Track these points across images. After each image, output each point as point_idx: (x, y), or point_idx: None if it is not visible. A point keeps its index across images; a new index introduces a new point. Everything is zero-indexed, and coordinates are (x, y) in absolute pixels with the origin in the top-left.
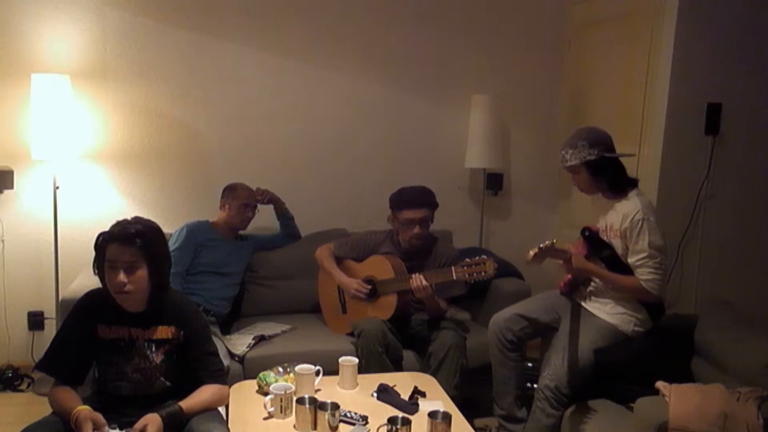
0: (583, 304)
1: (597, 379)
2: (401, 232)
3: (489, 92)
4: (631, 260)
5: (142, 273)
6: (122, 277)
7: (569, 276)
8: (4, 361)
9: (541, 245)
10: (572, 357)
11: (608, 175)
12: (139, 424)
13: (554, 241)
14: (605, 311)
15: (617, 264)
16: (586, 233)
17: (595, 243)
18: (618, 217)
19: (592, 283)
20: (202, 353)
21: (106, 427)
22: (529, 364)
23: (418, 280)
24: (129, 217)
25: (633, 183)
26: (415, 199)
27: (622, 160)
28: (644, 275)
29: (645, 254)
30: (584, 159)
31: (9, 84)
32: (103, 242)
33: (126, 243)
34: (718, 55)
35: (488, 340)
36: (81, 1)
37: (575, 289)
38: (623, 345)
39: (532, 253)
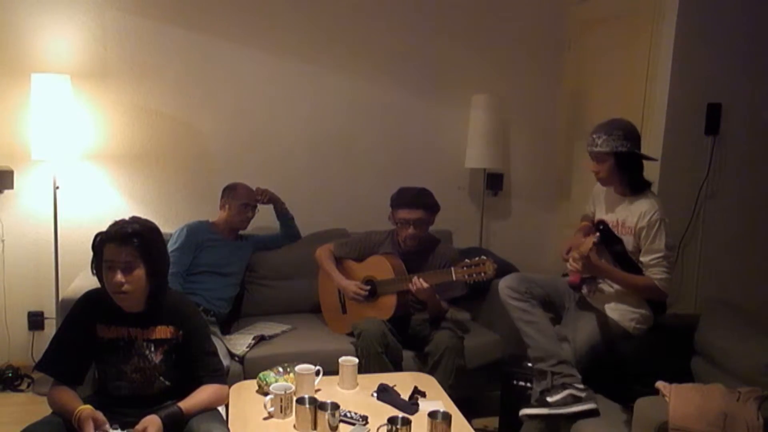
0: (587, 298)
1: (597, 377)
2: (398, 231)
3: (489, 92)
4: (644, 259)
5: (140, 273)
6: (120, 277)
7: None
8: (4, 361)
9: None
10: (571, 349)
11: (631, 171)
12: (139, 426)
13: (593, 241)
14: (608, 306)
15: (625, 260)
16: (601, 227)
17: (608, 237)
18: (633, 215)
19: (598, 280)
20: (201, 353)
21: (107, 425)
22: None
23: (418, 282)
24: (127, 217)
25: (649, 184)
26: (410, 200)
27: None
28: (659, 275)
29: (661, 254)
30: (616, 148)
31: (9, 84)
32: (101, 242)
33: (123, 243)
34: (718, 55)
35: (502, 302)
36: (81, 1)
37: (584, 283)
38: (623, 342)
39: (573, 262)
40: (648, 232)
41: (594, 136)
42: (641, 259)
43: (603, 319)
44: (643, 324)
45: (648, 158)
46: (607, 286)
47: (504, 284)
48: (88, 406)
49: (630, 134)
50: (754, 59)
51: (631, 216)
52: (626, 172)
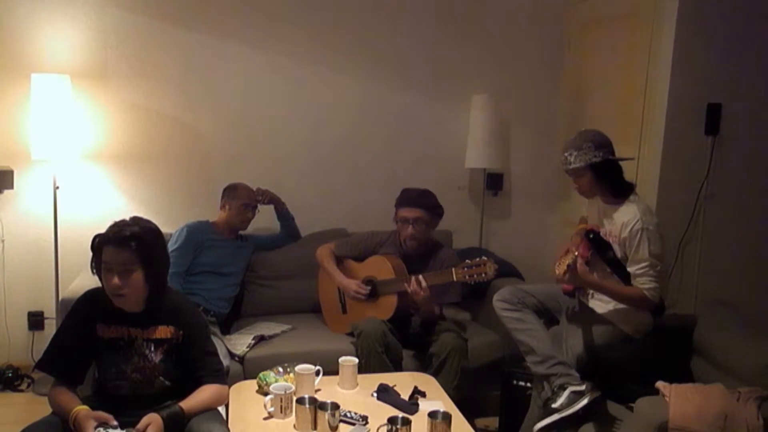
0: (584, 301)
1: (597, 378)
2: (399, 231)
3: (489, 92)
4: (631, 269)
5: (138, 276)
6: (117, 280)
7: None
8: (4, 361)
9: (569, 263)
10: (570, 353)
11: (611, 179)
12: (141, 425)
13: (576, 254)
14: (607, 309)
15: (619, 266)
16: (591, 236)
17: (599, 246)
18: (617, 226)
19: None
20: (201, 353)
21: (114, 421)
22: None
23: (416, 282)
24: (128, 218)
25: (631, 187)
26: (411, 199)
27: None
28: (646, 284)
29: (646, 264)
30: (590, 161)
31: (9, 84)
32: (99, 244)
33: (120, 246)
34: (718, 55)
35: (498, 316)
36: (81, 1)
37: (579, 289)
38: (623, 344)
39: (560, 271)
40: (631, 242)
41: (566, 154)
42: (628, 269)
43: (602, 322)
44: (643, 327)
45: (624, 159)
46: None
47: (497, 298)
48: (85, 407)
49: (600, 143)
50: (754, 59)
51: (615, 226)
52: (606, 180)
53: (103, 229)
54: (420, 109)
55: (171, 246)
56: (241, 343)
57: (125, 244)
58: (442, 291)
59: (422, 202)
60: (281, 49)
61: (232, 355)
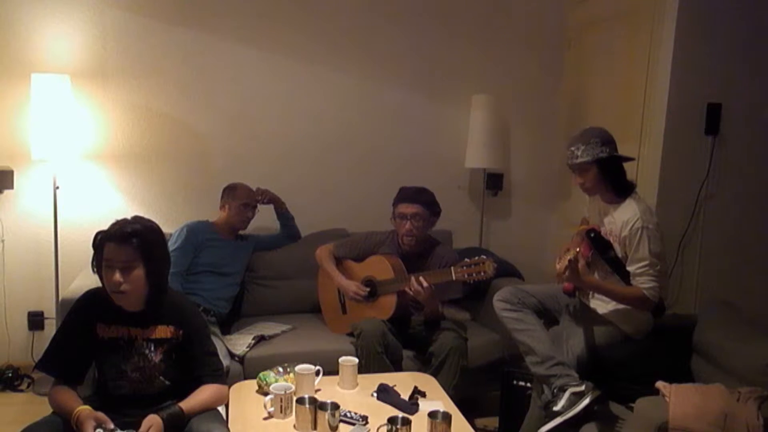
0: (584, 301)
1: (597, 378)
2: (397, 229)
3: (489, 92)
4: (631, 268)
5: (139, 273)
6: (118, 276)
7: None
8: (4, 361)
9: (570, 258)
10: (571, 353)
11: (614, 176)
12: (142, 428)
13: (578, 250)
14: (607, 309)
15: (621, 265)
16: (592, 234)
17: (600, 244)
18: (617, 224)
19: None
20: (201, 353)
21: (111, 424)
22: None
23: (416, 281)
24: (129, 217)
25: (632, 187)
26: (409, 195)
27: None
28: (646, 284)
29: (646, 263)
30: (597, 156)
31: (9, 84)
32: (101, 241)
33: (122, 243)
34: (718, 55)
35: (497, 316)
36: (81, 1)
37: (579, 289)
38: (623, 344)
39: (561, 267)
40: (631, 241)
41: (572, 148)
42: (628, 268)
43: (602, 322)
44: (643, 326)
45: (627, 159)
46: None
47: (497, 298)
48: (87, 407)
49: (606, 139)
50: (754, 59)
51: (615, 225)
52: (610, 177)
53: (103, 229)
54: (420, 109)
55: (171, 246)
56: (241, 343)
57: (127, 241)
58: (444, 288)
59: (420, 198)
60: (281, 49)
61: (232, 355)
